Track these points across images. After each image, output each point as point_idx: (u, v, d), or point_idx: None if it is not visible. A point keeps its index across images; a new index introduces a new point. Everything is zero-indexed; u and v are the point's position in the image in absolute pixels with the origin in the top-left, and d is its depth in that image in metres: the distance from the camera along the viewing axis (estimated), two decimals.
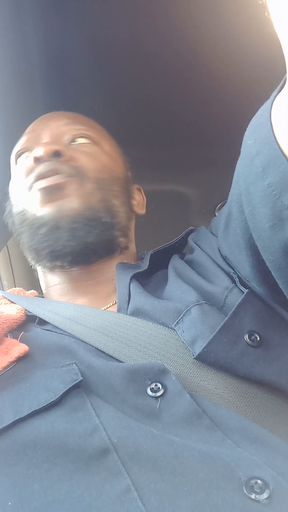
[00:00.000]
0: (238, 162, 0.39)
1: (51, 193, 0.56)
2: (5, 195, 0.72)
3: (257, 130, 0.35)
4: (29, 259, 0.64)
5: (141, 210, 0.72)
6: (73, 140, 0.63)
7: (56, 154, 0.58)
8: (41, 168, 0.57)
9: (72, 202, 0.56)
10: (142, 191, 0.75)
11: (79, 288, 0.60)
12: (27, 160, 0.62)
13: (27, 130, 0.67)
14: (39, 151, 0.57)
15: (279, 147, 0.31)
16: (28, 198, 0.59)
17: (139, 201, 0.72)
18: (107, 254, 0.60)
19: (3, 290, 1.03)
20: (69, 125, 0.64)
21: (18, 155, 0.65)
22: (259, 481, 0.30)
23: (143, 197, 0.74)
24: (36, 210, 0.57)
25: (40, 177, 0.57)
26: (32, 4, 0.64)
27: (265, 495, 0.29)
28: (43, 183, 0.56)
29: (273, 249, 0.35)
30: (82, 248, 0.56)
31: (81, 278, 0.60)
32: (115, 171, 0.64)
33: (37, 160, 0.58)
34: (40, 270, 0.66)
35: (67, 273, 0.60)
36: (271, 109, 0.34)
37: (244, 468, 0.31)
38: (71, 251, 0.55)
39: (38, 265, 0.62)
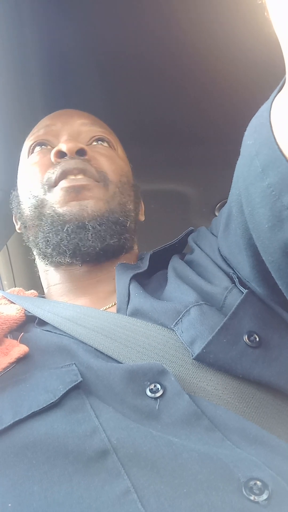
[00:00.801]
0: (238, 162, 0.39)
1: (77, 192, 0.57)
2: (6, 193, 0.72)
3: (256, 131, 0.34)
4: (37, 254, 0.63)
5: (141, 216, 0.74)
6: (90, 141, 0.64)
7: (80, 153, 0.59)
8: (67, 164, 0.58)
9: (96, 204, 0.57)
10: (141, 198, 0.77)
11: (80, 288, 0.60)
12: (46, 153, 0.62)
13: (44, 123, 0.67)
14: (63, 147, 0.58)
15: (279, 148, 0.31)
16: (49, 193, 0.59)
17: (141, 208, 0.75)
18: (116, 256, 0.62)
19: (3, 290, 1.03)
20: (88, 126, 0.65)
21: (34, 147, 0.65)
22: (258, 482, 0.30)
23: (142, 204, 0.76)
24: (58, 206, 0.57)
25: (66, 173, 0.57)
26: (33, 7, 0.64)
27: (264, 496, 0.29)
28: (71, 181, 0.57)
29: (272, 250, 0.35)
30: (102, 249, 0.57)
31: (83, 277, 0.60)
32: (129, 177, 0.66)
33: (60, 155, 0.59)
34: (42, 268, 0.66)
35: (70, 272, 0.61)
36: (270, 109, 0.33)
37: (243, 469, 0.31)
38: (93, 251, 0.57)
39: (47, 261, 0.62)
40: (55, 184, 0.58)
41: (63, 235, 0.56)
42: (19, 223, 0.70)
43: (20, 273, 1.10)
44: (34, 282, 1.05)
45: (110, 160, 0.63)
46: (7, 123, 0.81)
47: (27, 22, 0.66)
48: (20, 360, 0.44)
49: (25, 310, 0.55)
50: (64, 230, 0.55)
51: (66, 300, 0.60)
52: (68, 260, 0.58)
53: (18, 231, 0.72)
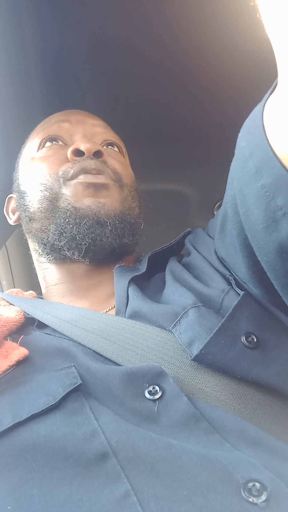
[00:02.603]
0: (232, 163, 0.39)
1: (96, 190, 0.58)
2: (5, 194, 0.72)
3: (250, 132, 0.34)
4: (40, 248, 0.62)
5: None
6: (103, 144, 0.65)
7: (97, 154, 0.60)
8: (86, 163, 0.58)
9: (112, 204, 0.58)
10: None
11: (81, 289, 0.60)
12: (59, 149, 0.63)
13: (56, 119, 0.66)
14: (81, 146, 0.59)
15: (272, 149, 0.31)
16: (65, 186, 0.58)
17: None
18: (122, 257, 0.62)
19: (2, 290, 1.04)
20: (101, 128, 0.66)
21: (45, 141, 0.64)
22: (257, 483, 0.30)
23: None
24: (74, 199, 0.57)
25: (86, 171, 0.58)
26: (32, 6, 0.64)
27: (263, 498, 0.29)
28: (91, 178, 0.58)
29: (267, 250, 0.35)
30: (117, 248, 0.58)
31: (84, 277, 0.60)
32: (136, 184, 0.67)
33: (78, 154, 0.59)
34: (41, 267, 0.65)
35: (72, 271, 0.61)
36: (263, 111, 0.34)
37: (242, 471, 0.31)
38: (109, 247, 0.57)
39: (51, 257, 0.61)
40: (72, 178, 0.58)
41: (80, 229, 0.55)
42: (16, 214, 0.69)
43: (19, 274, 1.10)
44: (33, 283, 1.05)
45: (122, 165, 0.65)
46: (6, 124, 0.81)
47: (26, 22, 0.66)
48: (20, 363, 0.44)
49: (24, 312, 0.55)
50: (82, 224, 0.55)
51: (66, 301, 0.60)
52: (77, 256, 0.58)
53: (13, 223, 0.71)
